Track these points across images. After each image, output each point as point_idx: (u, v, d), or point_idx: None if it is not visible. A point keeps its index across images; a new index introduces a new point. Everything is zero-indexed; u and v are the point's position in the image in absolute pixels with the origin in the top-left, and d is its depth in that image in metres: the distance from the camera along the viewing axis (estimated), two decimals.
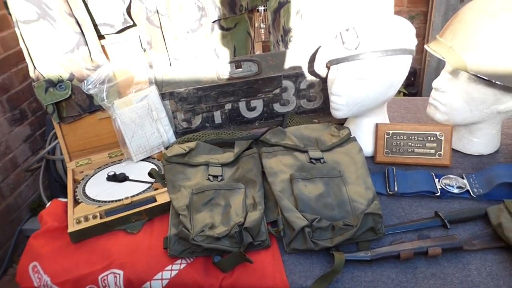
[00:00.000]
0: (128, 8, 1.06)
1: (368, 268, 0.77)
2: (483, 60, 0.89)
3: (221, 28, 1.19)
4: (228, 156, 1.01)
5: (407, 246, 0.78)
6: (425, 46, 1.01)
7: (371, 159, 1.06)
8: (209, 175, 0.96)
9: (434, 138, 1.01)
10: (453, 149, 1.07)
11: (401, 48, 0.93)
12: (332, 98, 1.00)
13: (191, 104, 1.14)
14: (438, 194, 0.92)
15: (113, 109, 1.05)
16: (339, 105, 0.99)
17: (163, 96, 1.11)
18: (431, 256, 0.77)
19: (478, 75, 0.89)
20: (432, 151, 1.01)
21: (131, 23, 1.08)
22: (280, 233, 0.83)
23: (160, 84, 1.10)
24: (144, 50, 1.13)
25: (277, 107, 1.19)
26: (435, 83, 1.00)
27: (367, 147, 1.06)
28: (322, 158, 0.96)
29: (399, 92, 1.34)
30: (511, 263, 0.76)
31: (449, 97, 0.98)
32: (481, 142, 1.04)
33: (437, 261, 0.78)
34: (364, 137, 1.07)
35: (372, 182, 0.95)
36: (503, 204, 0.84)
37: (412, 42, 0.96)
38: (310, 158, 0.96)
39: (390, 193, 0.94)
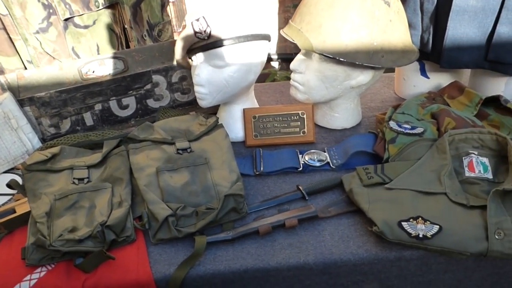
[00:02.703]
0: None
1: (230, 247, 0.80)
2: (327, 40, 0.95)
3: (77, 25, 1.15)
4: (96, 157, 0.98)
5: (267, 221, 0.82)
6: (280, 31, 1.06)
7: (243, 144, 1.09)
8: (73, 178, 0.92)
9: (297, 117, 1.06)
10: (318, 126, 1.14)
11: (253, 34, 0.96)
12: (195, 88, 1.01)
13: (56, 108, 1.09)
14: (301, 168, 0.97)
15: None
16: (202, 94, 1.00)
17: (21, 102, 1.04)
18: (289, 227, 0.81)
19: (324, 54, 0.96)
20: (297, 129, 1.06)
21: None
22: (145, 226, 0.82)
23: (16, 90, 1.04)
24: None
25: (151, 103, 1.18)
26: (292, 65, 1.05)
27: (239, 132, 1.09)
28: (189, 147, 0.97)
29: None
30: (361, 225, 0.82)
31: (305, 77, 1.04)
32: (342, 117, 1.12)
33: (295, 231, 0.82)
34: (235, 123, 1.09)
35: (242, 165, 0.99)
36: (356, 171, 0.90)
37: (265, 28, 1.00)
38: (177, 149, 0.96)
39: (257, 173, 0.97)
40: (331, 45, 0.95)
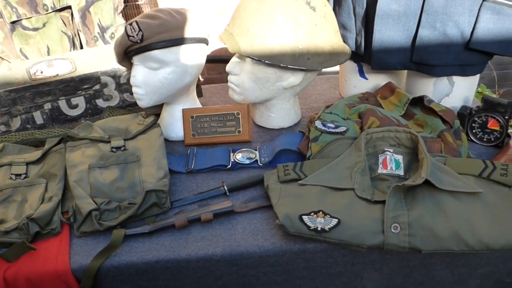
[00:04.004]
0: None
1: (147, 240, 0.84)
2: (254, 43, 1.00)
3: (25, 28, 1.20)
4: (36, 154, 1.03)
5: (185, 215, 0.86)
6: (217, 37, 1.10)
7: (182, 142, 1.13)
8: (11, 174, 0.97)
9: (233, 117, 1.10)
10: (258, 125, 1.19)
11: (187, 37, 1.01)
12: (132, 89, 1.05)
13: (6, 107, 1.14)
14: (229, 166, 1.01)
15: None
16: (139, 95, 1.05)
17: None
18: (204, 221, 0.86)
19: (251, 57, 1.00)
20: (233, 128, 1.11)
21: None
22: (70, 219, 0.87)
23: None
24: None
25: (100, 103, 1.23)
26: (227, 68, 1.09)
27: (179, 132, 1.14)
28: (124, 146, 1.01)
29: None
30: (272, 219, 0.86)
31: (240, 79, 1.08)
32: (278, 117, 1.16)
33: (211, 225, 0.87)
34: (175, 123, 1.14)
35: (176, 163, 1.04)
36: (276, 169, 0.95)
37: (200, 31, 1.05)
38: (112, 147, 1.01)
39: (188, 170, 1.02)
40: (259, 49, 1.00)
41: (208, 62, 1.18)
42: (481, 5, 0.98)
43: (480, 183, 0.81)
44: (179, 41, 1.00)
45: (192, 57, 1.04)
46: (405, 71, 1.21)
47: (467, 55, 1.03)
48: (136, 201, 0.88)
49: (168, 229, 0.86)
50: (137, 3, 1.90)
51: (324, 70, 1.15)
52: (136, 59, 1.02)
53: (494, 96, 2.21)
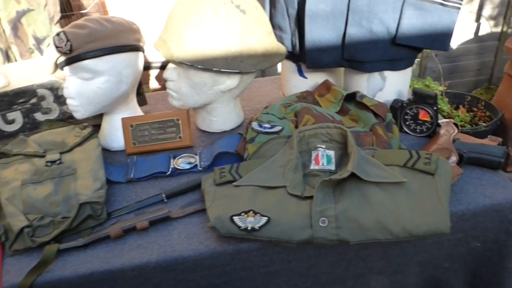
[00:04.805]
0: None
1: (82, 253, 0.83)
2: (186, 49, 1.00)
3: None
4: None
5: (120, 225, 0.86)
6: (153, 45, 1.10)
7: (124, 152, 1.12)
8: None
9: (173, 123, 1.10)
10: (200, 129, 1.19)
11: (118, 45, 1.00)
12: (66, 100, 1.04)
13: None
14: (169, 173, 1.01)
15: None
16: (74, 106, 1.03)
17: None
18: (140, 229, 0.86)
19: (184, 62, 1.00)
20: (173, 135, 1.11)
21: None
22: (1, 238, 0.85)
23: None
24: None
25: (39, 116, 1.20)
26: (164, 75, 1.09)
27: (120, 141, 1.13)
28: (59, 159, 1.00)
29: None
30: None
31: (178, 85, 1.08)
32: (220, 120, 1.17)
33: (147, 233, 0.87)
34: (116, 133, 1.13)
35: (116, 173, 1.03)
36: (213, 171, 0.95)
37: (133, 39, 1.04)
38: (46, 162, 0.99)
39: (128, 180, 1.01)
40: (191, 54, 1.00)
41: (146, 69, 1.17)
42: (403, 2, 1.02)
43: (405, 173, 0.83)
44: (111, 50, 1.00)
45: (126, 65, 1.04)
46: (343, 68, 1.24)
47: (395, 51, 1.06)
48: (69, 215, 0.87)
49: (103, 240, 0.85)
50: (83, 11, 1.87)
51: (268, 70, 1.17)
52: (67, 70, 1.01)
53: (441, 88, 2.30)
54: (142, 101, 1.28)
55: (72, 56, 0.97)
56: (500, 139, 1.00)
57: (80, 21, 1.01)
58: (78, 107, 1.03)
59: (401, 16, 1.02)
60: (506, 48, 2.31)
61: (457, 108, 2.44)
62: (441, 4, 1.00)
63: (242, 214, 0.80)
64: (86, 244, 0.84)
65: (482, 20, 2.87)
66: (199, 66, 1.00)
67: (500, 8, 2.85)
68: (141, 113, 1.18)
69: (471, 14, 2.85)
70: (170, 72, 1.08)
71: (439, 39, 1.04)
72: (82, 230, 0.88)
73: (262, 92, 1.38)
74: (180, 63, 1.02)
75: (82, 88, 1.01)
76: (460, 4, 1.02)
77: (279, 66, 1.29)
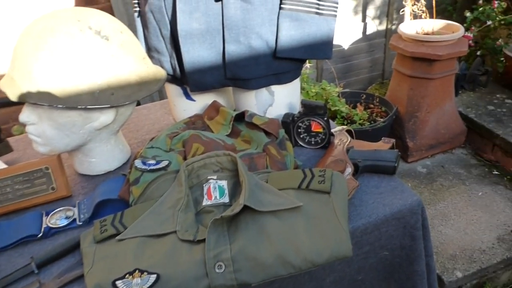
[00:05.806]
0: None
1: None
2: (40, 86, 0.86)
3: None
4: None
5: None
6: None
7: None
8: None
9: (41, 173, 0.94)
10: (81, 174, 1.04)
11: None
12: None
13: None
14: (41, 234, 0.86)
15: None
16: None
17: None
18: None
19: (39, 103, 0.86)
20: (44, 186, 0.95)
21: None
22: None
23: None
24: None
25: None
26: (20, 118, 0.93)
27: None
28: None
29: None
30: None
31: (40, 128, 0.93)
32: (100, 161, 1.03)
33: None
34: None
35: None
36: (94, 225, 0.82)
37: None
38: None
39: None
40: (47, 92, 0.86)
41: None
42: (278, 14, 0.98)
43: (300, 196, 0.78)
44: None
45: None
46: (230, 87, 1.18)
47: (278, 64, 1.02)
48: None
49: None
50: None
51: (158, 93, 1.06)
52: None
53: (337, 89, 2.36)
54: (5, 149, 1.09)
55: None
56: (393, 141, 1.00)
57: None
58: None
59: (279, 29, 0.98)
60: (391, 45, 2.45)
61: (355, 107, 2.53)
62: (317, 13, 0.98)
63: (127, 276, 0.68)
64: None
65: (368, 20, 3.04)
66: (60, 106, 0.86)
67: (383, 7, 3.05)
68: (3, 165, 1.00)
69: (358, 14, 3.01)
70: (28, 114, 0.92)
71: (320, 48, 1.02)
72: None
73: (150, 120, 1.27)
74: (35, 104, 0.87)
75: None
76: (336, 11, 1.00)
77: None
